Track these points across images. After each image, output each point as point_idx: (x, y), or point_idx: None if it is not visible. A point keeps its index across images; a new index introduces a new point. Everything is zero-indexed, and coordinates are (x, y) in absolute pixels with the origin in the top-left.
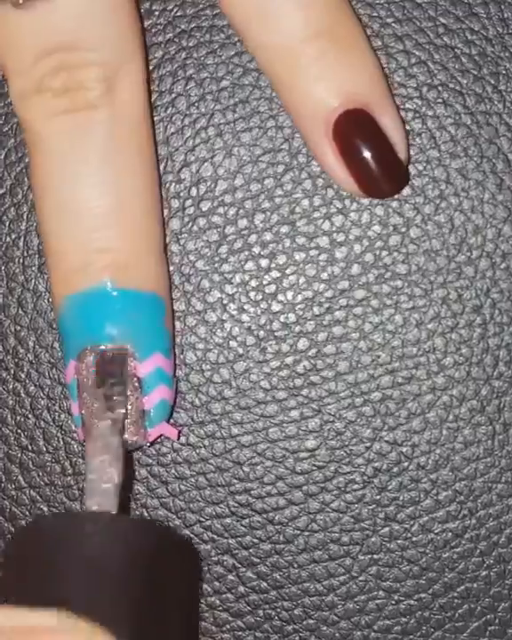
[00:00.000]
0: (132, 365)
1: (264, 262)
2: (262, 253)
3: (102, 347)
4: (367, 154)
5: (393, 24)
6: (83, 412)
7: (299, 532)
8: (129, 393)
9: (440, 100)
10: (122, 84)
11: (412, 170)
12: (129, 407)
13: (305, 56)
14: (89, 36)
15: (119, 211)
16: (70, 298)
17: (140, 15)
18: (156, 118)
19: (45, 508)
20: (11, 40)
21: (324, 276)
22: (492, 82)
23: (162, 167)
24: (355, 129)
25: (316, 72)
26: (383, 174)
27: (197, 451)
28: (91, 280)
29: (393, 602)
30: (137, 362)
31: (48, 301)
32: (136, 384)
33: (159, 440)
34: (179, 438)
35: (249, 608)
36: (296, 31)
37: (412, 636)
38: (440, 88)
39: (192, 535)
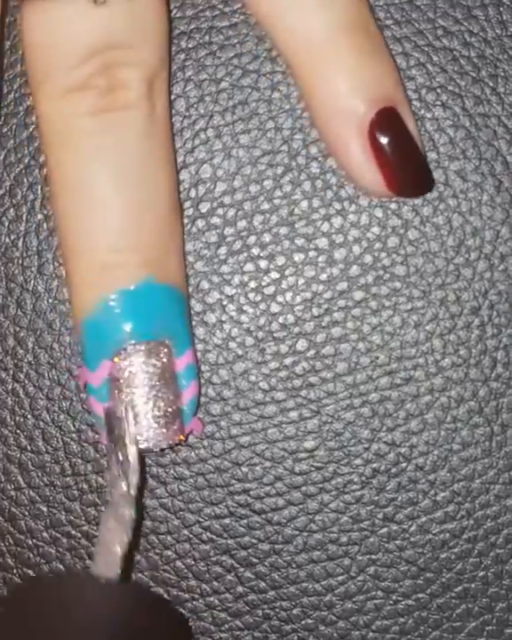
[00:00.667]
0: (171, 362)
1: (263, 263)
2: (261, 255)
3: (145, 343)
4: (400, 151)
5: (392, 26)
6: (123, 409)
7: (297, 532)
8: (163, 394)
9: (439, 102)
10: (158, 86)
11: None
12: (171, 403)
13: (339, 50)
14: (135, 37)
15: (151, 209)
16: (105, 296)
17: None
18: None
19: (45, 509)
20: (64, 36)
21: (323, 277)
22: (491, 84)
23: None
24: (386, 127)
25: (348, 70)
26: (413, 172)
27: (196, 451)
28: (128, 277)
29: (391, 602)
30: (175, 357)
31: (48, 302)
32: (175, 381)
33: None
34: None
35: (247, 608)
36: (327, 26)
37: (409, 636)
38: (439, 90)
39: (191, 535)
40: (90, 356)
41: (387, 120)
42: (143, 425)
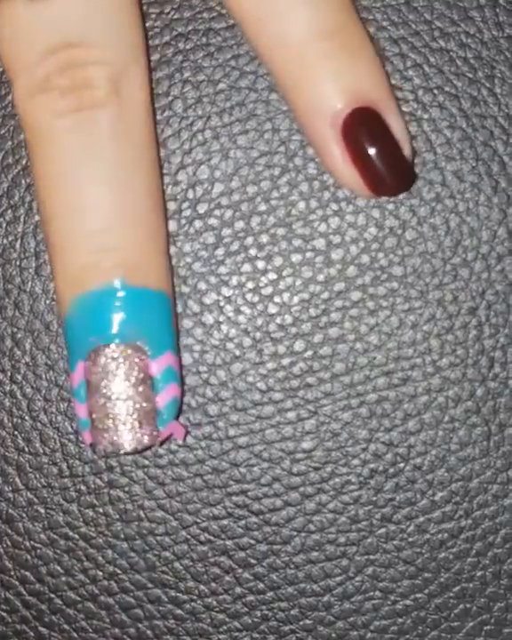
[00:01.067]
0: (145, 364)
1: (261, 264)
2: (259, 255)
3: (115, 345)
4: (375, 152)
5: (389, 27)
6: (93, 415)
7: (295, 533)
8: (134, 396)
9: (436, 103)
10: (127, 83)
11: None
12: (143, 405)
13: (313, 55)
14: (96, 34)
15: (127, 209)
16: (81, 296)
17: (143, 17)
18: None
19: (43, 511)
20: (17, 37)
21: (321, 277)
22: (488, 85)
23: None
24: (363, 128)
25: (324, 71)
26: (391, 172)
27: (194, 452)
28: (102, 278)
29: (389, 602)
30: (150, 360)
31: (45, 303)
32: (148, 383)
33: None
34: (185, 439)
35: (246, 609)
36: (305, 31)
37: (408, 636)
38: (435, 91)
39: (189, 536)
40: (70, 356)
41: (362, 119)
42: (111, 427)
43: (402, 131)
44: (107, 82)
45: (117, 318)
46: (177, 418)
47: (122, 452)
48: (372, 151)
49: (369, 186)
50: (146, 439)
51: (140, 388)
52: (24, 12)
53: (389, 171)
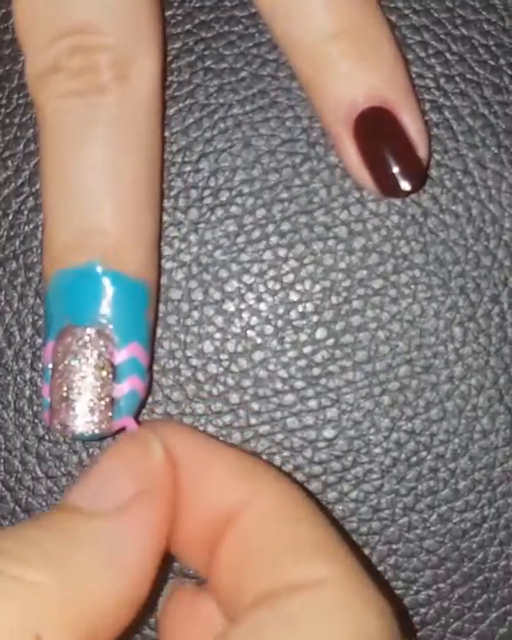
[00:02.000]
0: (109, 351)
1: (282, 252)
2: (280, 243)
3: (82, 327)
4: (385, 153)
5: (410, 15)
6: (52, 395)
7: None
8: (99, 379)
9: (457, 91)
10: (135, 72)
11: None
12: (100, 392)
13: (330, 53)
14: (109, 23)
15: (115, 194)
16: (58, 274)
17: (163, 16)
18: (174, 109)
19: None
20: (31, 19)
21: (342, 265)
22: (510, 72)
23: (180, 158)
24: (374, 127)
25: (339, 69)
26: (400, 174)
27: None
28: (80, 258)
29: (412, 592)
30: (114, 348)
31: None
32: (109, 370)
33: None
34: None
35: None
36: (322, 28)
37: (430, 627)
38: (457, 79)
39: None
40: (46, 335)
41: (373, 119)
42: (65, 409)
43: (418, 131)
44: (113, 68)
45: (87, 300)
46: (137, 414)
47: (73, 435)
48: (381, 152)
49: (377, 186)
50: (98, 427)
51: (100, 374)
52: None
53: (398, 172)
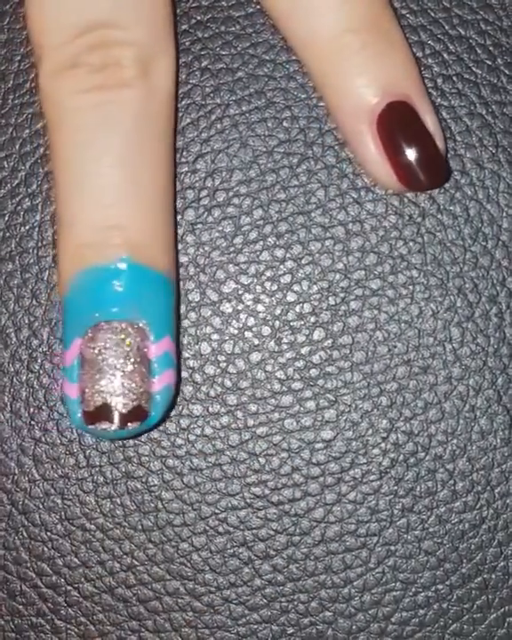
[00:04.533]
0: (145, 345)
1: (279, 253)
2: (277, 244)
3: (116, 322)
4: (411, 147)
5: (408, 15)
6: (85, 390)
7: (315, 523)
8: (139, 373)
9: (455, 91)
10: (156, 67)
11: None
12: (139, 386)
13: (347, 49)
14: (129, 18)
15: (138, 189)
16: (85, 271)
17: (175, 14)
18: None
19: (60, 502)
20: (51, 14)
21: (340, 266)
22: (507, 72)
23: (177, 158)
24: (397, 122)
25: (358, 65)
26: (426, 167)
27: (212, 442)
28: (109, 254)
29: (410, 593)
30: (150, 342)
31: None
32: (146, 364)
33: (175, 431)
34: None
35: (265, 601)
36: (339, 25)
37: (429, 628)
38: (455, 79)
39: (207, 528)
40: (65, 334)
41: (396, 113)
42: (104, 409)
43: (435, 124)
44: (135, 63)
45: (121, 295)
46: (171, 409)
47: (111, 432)
48: (407, 146)
49: (404, 181)
50: (136, 422)
51: (140, 368)
52: None
53: (425, 165)
